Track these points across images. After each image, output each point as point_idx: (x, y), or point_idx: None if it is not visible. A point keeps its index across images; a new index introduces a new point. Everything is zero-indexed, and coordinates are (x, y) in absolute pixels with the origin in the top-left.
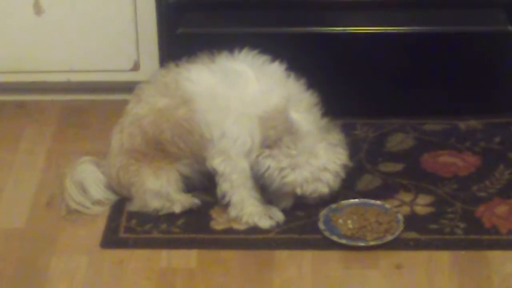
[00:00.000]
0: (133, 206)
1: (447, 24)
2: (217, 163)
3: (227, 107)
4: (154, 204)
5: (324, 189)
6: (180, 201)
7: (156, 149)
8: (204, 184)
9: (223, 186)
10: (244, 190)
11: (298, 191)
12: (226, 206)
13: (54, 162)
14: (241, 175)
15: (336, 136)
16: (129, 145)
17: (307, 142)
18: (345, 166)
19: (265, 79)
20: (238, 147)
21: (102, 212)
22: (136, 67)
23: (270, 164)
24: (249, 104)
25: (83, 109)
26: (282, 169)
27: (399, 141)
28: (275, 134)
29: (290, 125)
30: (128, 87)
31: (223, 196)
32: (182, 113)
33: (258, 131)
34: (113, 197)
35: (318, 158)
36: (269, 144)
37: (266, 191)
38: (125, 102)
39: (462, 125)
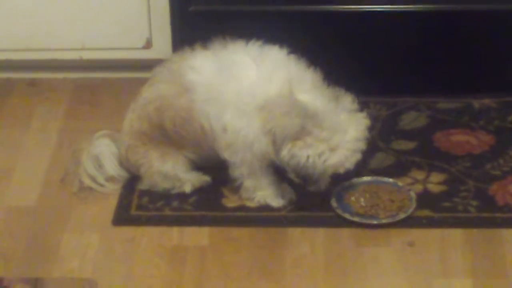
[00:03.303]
0: (143, 185)
1: (460, 2)
2: (227, 155)
3: (224, 100)
4: (163, 184)
5: (359, 157)
6: (190, 180)
7: (162, 136)
8: (214, 163)
9: (235, 173)
10: (256, 177)
11: (342, 170)
12: (237, 186)
13: (66, 140)
14: (251, 165)
15: (348, 100)
16: (138, 127)
17: (329, 120)
18: (368, 127)
19: (264, 67)
20: (242, 140)
21: (114, 191)
22: (148, 45)
23: (309, 152)
24: (245, 96)
25: (95, 87)
26: (321, 154)
27: (412, 119)
28: (293, 123)
29: (304, 109)
30: (140, 65)
31: (235, 180)
32: (182, 102)
33: (258, 122)
34: (125, 175)
35: (347, 131)
36: (295, 135)
37: (304, 180)
38: (137, 80)
39: (476, 103)
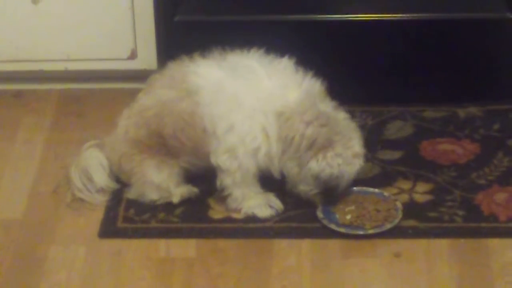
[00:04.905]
0: (130, 194)
1: (446, 11)
2: (222, 160)
3: (238, 101)
4: (152, 195)
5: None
6: (179, 192)
7: (158, 144)
8: (202, 174)
9: (225, 181)
10: (245, 186)
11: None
12: (225, 196)
13: (52, 151)
14: (245, 173)
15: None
16: (134, 134)
17: (345, 127)
18: None
19: (277, 74)
20: (247, 144)
21: (103, 202)
22: (133, 55)
23: (339, 162)
24: (264, 100)
25: (80, 97)
26: (349, 162)
27: (398, 129)
28: (318, 132)
29: (328, 118)
30: (126, 76)
31: (223, 189)
32: (185, 105)
33: (274, 127)
34: (114, 186)
35: (352, 140)
36: (320, 145)
37: (327, 192)
38: (122, 90)
39: (461, 112)
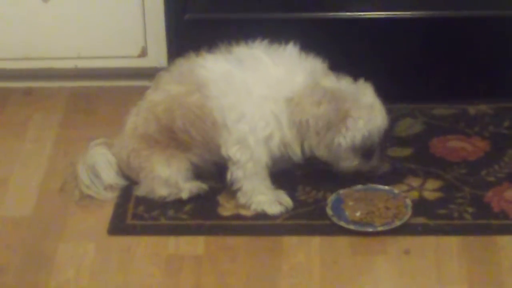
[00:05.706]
0: (139, 191)
1: (456, 9)
2: (233, 151)
3: (247, 91)
4: (161, 191)
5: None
6: (188, 188)
7: (169, 138)
8: (211, 171)
9: (236, 174)
10: (256, 179)
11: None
12: (234, 192)
13: (62, 149)
14: (257, 164)
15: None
16: (143, 130)
17: (352, 90)
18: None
19: (283, 62)
20: (258, 133)
21: (112, 199)
22: (143, 53)
23: (361, 123)
24: (273, 87)
25: (90, 95)
26: (369, 119)
27: (407, 126)
28: (328, 109)
29: (332, 92)
30: (136, 73)
31: (234, 183)
32: (194, 99)
33: (285, 113)
34: (122, 182)
35: (363, 97)
36: (336, 119)
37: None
38: (132, 88)
39: (471, 109)
